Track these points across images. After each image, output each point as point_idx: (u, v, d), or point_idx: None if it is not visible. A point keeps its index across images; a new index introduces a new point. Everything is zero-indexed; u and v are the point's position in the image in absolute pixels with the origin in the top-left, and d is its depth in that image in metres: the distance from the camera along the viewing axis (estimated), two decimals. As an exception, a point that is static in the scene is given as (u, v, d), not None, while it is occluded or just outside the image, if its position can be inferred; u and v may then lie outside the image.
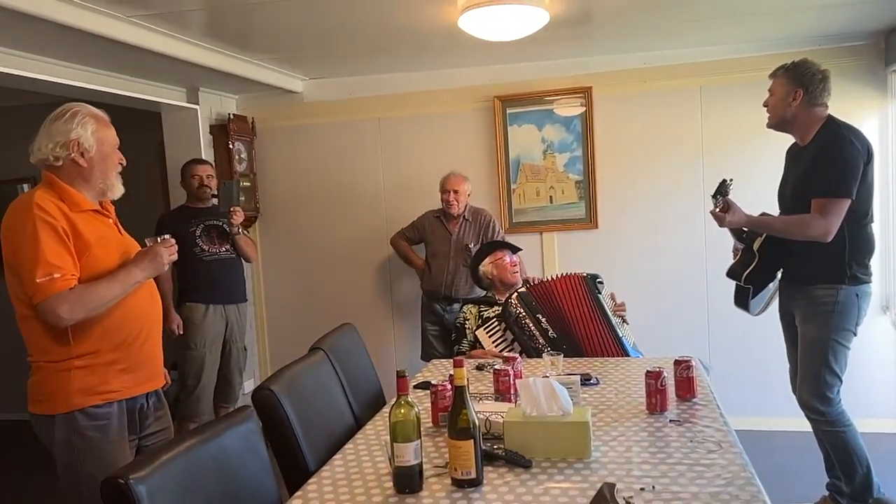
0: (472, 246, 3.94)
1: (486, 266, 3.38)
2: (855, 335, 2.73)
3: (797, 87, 2.71)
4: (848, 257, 2.67)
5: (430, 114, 4.42)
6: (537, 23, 3.02)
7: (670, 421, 2.04)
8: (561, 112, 4.26)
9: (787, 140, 2.92)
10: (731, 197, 2.78)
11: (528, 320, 2.98)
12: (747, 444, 1.96)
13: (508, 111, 4.31)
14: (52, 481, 2.06)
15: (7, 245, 1.98)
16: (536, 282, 3.20)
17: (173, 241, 2.17)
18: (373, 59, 4.05)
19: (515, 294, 3.05)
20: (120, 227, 2.23)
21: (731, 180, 2.79)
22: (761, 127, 3.95)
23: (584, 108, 4.21)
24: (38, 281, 1.89)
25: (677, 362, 2.25)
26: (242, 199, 4.41)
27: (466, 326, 3.20)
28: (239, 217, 3.73)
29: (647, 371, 2.14)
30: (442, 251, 4.00)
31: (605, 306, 3.00)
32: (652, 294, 4.15)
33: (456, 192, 3.93)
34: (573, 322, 2.97)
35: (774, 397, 3.90)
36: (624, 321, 3.11)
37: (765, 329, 3.93)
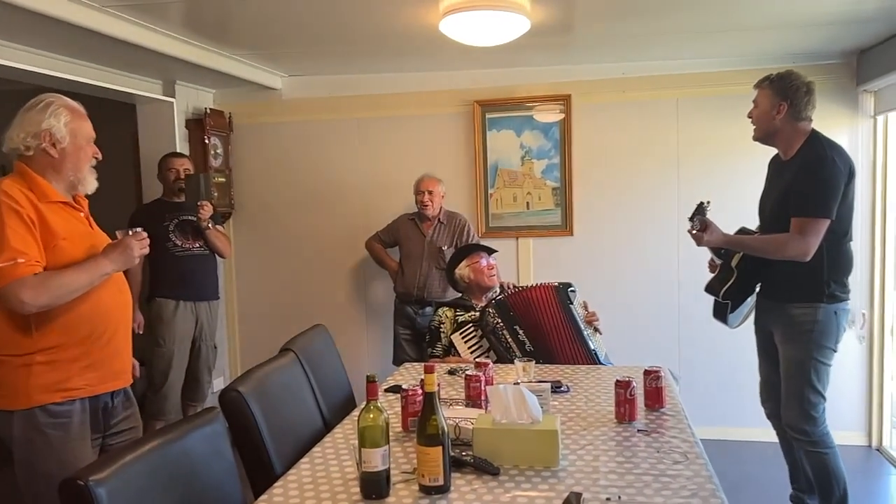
0: (445, 249, 3.95)
1: (462, 269, 3.35)
2: (835, 352, 2.70)
3: (781, 101, 2.68)
4: (826, 276, 2.65)
5: (410, 116, 4.42)
6: (518, 30, 3.03)
7: (638, 430, 2.06)
8: (540, 118, 4.28)
9: (763, 154, 2.93)
10: (708, 216, 2.74)
11: (505, 331, 2.96)
12: (715, 453, 1.99)
13: (488, 116, 4.31)
14: (11, 477, 2.01)
15: None
16: (512, 290, 3.18)
17: (145, 234, 2.13)
18: (353, 58, 4.02)
19: (493, 303, 3.04)
20: (92, 221, 2.19)
21: (708, 203, 2.75)
22: (736, 140, 4.05)
23: (562, 116, 4.24)
24: (0, 265, 1.86)
25: (647, 372, 2.27)
26: (216, 194, 4.36)
27: (441, 330, 3.18)
28: (207, 211, 3.64)
29: (617, 380, 2.15)
30: (415, 253, 4.00)
31: (577, 317, 2.99)
32: (624, 303, 4.18)
33: (430, 192, 3.94)
34: (548, 334, 2.96)
35: (742, 408, 3.96)
36: (596, 331, 3.11)
37: (735, 340, 3.98)
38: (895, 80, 3.58)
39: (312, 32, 3.41)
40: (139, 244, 2.09)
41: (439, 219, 4.01)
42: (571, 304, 3.00)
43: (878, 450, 3.97)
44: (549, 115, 4.27)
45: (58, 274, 1.94)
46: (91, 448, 2.07)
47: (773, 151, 2.89)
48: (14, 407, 1.98)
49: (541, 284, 3.08)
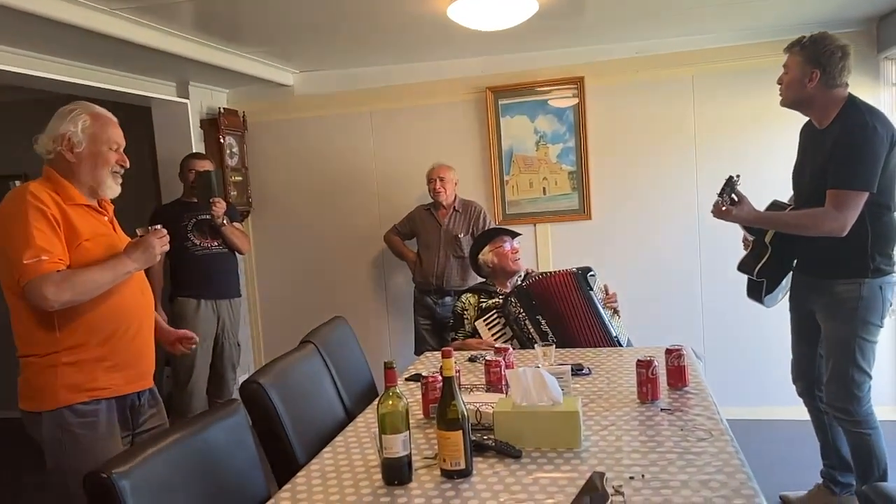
0: (461, 237, 3.94)
1: (486, 254, 3.29)
2: (881, 328, 2.57)
3: (814, 68, 2.50)
4: (871, 249, 2.50)
5: (422, 106, 4.40)
6: (526, 12, 3.01)
7: (661, 410, 2.03)
8: (554, 103, 4.24)
9: (784, 129, 2.84)
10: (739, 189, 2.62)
11: (527, 321, 2.94)
12: (740, 433, 1.96)
13: (501, 102, 4.28)
14: (44, 478, 2.06)
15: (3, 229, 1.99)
16: (534, 277, 3.10)
17: (165, 231, 2.15)
18: (363, 51, 4.02)
19: (514, 292, 3.00)
20: (116, 225, 2.23)
21: (738, 176, 2.62)
22: (754, 115, 3.99)
23: (576, 99, 4.19)
24: (25, 262, 1.90)
25: (668, 351, 2.24)
26: (234, 193, 4.40)
27: (465, 317, 3.16)
28: (220, 207, 3.66)
29: (639, 360, 2.13)
30: (432, 242, 4.00)
31: (598, 303, 2.94)
32: (645, 284, 4.14)
33: (442, 179, 3.93)
34: (570, 322, 2.92)
35: (768, 387, 3.92)
36: (616, 312, 3.07)
37: (758, 319, 3.94)
38: (917, 45, 3.49)
39: (322, 27, 3.41)
40: (160, 242, 2.11)
41: (454, 207, 4.00)
42: (591, 289, 2.95)
43: (911, 425, 3.89)
44: (562, 99, 4.23)
45: (81, 271, 1.98)
46: (121, 446, 2.10)
47: (801, 118, 2.74)
48: (42, 408, 2.01)
49: (560, 271, 3.04)
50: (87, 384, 2.03)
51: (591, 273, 3.03)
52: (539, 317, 2.93)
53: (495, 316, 3.06)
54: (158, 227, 2.16)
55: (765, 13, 3.65)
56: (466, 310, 3.17)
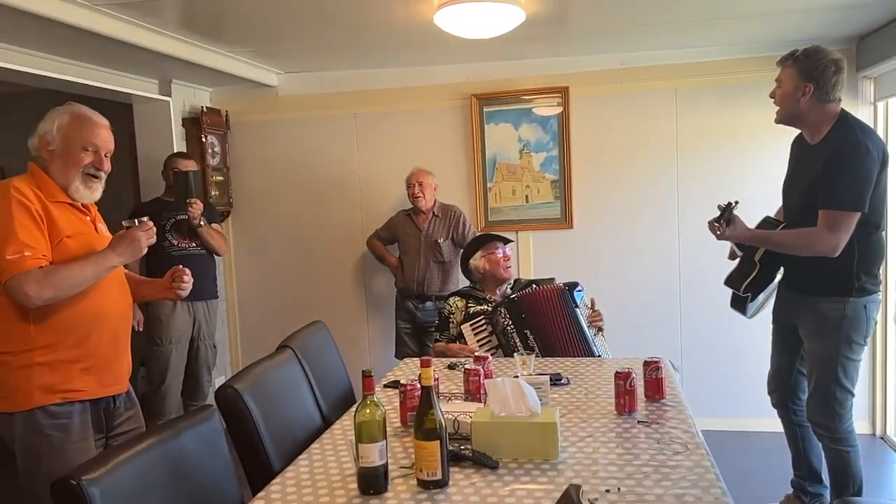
0: (441, 242, 3.94)
1: (477, 260, 3.24)
2: (864, 346, 2.57)
3: (807, 82, 2.48)
4: (856, 269, 2.50)
5: (407, 110, 4.40)
6: (513, 21, 3.01)
7: (638, 422, 2.04)
8: (538, 111, 4.26)
9: (767, 145, 2.85)
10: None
11: (515, 334, 2.93)
12: (716, 444, 1.97)
13: (485, 109, 4.29)
14: (16, 480, 2.02)
15: None
16: (524, 290, 3.07)
17: (151, 224, 2.12)
18: (349, 54, 4.00)
19: (504, 303, 2.99)
20: (98, 226, 2.19)
21: (736, 202, 2.60)
22: (735, 129, 4.04)
23: (560, 108, 4.21)
24: (7, 258, 1.89)
25: (647, 363, 2.25)
26: (214, 193, 4.35)
27: (451, 320, 3.15)
28: (197, 208, 3.62)
29: (617, 372, 2.13)
30: (412, 247, 4.00)
31: (582, 321, 2.94)
32: (625, 294, 4.16)
33: (420, 184, 3.93)
34: (556, 339, 2.93)
35: (744, 398, 3.96)
36: (600, 331, 3.06)
37: (735, 332, 3.99)
38: (895, 65, 3.55)
39: (307, 28, 3.39)
40: (145, 234, 2.08)
41: (434, 212, 4.00)
42: (577, 307, 2.95)
43: (882, 438, 3.95)
44: (547, 108, 4.25)
45: (63, 267, 1.96)
46: (94, 449, 2.07)
47: (782, 134, 2.74)
48: (15, 409, 1.99)
49: (548, 286, 3.02)
50: (61, 385, 2.00)
51: (579, 289, 3.02)
52: (527, 331, 2.93)
53: (483, 323, 3.04)
54: (145, 219, 2.12)
55: (747, 30, 3.70)
56: (453, 313, 3.16)
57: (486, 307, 3.11)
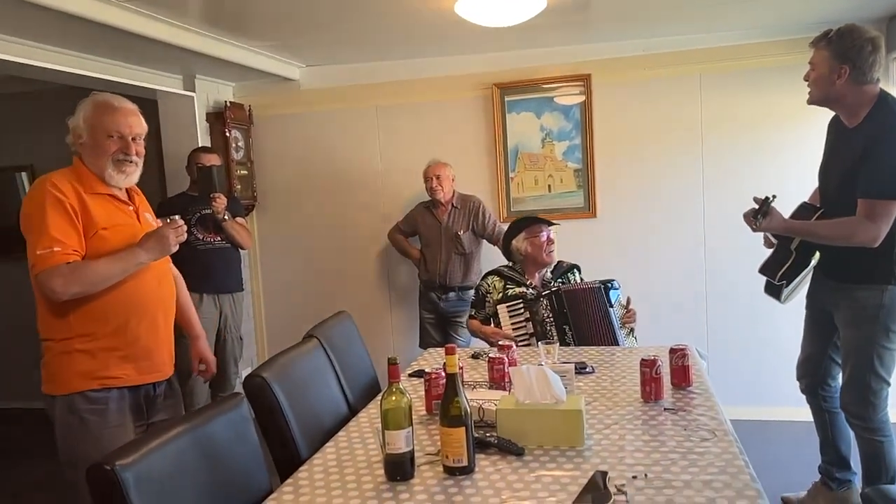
0: (461, 233, 3.94)
1: (520, 241, 3.19)
2: None
3: (843, 64, 2.38)
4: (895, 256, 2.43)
5: (428, 102, 4.39)
6: (534, 8, 2.99)
7: (665, 409, 2.03)
8: (560, 100, 4.23)
9: (793, 128, 2.78)
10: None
11: (553, 327, 2.92)
12: (743, 433, 1.95)
13: (507, 99, 4.27)
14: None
15: (22, 220, 2.03)
16: (568, 285, 3.06)
17: (181, 222, 2.14)
18: (370, 46, 4.01)
19: (548, 295, 2.97)
20: (141, 216, 2.21)
21: (774, 197, 2.51)
22: (761, 114, 3.98)
23: (583, 97, 4.18)
24: (38, 252, 1.94)
25: (673, 350, 2.24)
26: (239, 187, 4.39)
27: (487, 299, 3.16)
28: (221, 202, 3.66)
29: (642, 359, 2.12)
30: (433, 240, 4.00)
31: (615, 320, 2.92)
32: (650, 282, 4.13)
33: (438, 177, 3.92)
34: (592, 337, 2.92)
35: (771, 387, 3.91)
36: (631, 332, 3.03)
37: (762, 319, 3.94)
38: (927, 46, 3.47)
39: (329, 20, 3.40)
40: (174, 232, 2.09)
41: (453, 203, 4.00)
42: (612, 306, 2.94)
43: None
44: (569, 97, 4.22)
45: (90, 263, 2.00)
46: (133, 435, 2.11)
47: (811, 118, 2.66)
48: (56, 392, 2.06)
49: (589, 283, 3.00)
50: (99, 372, 2.06)
51: (615, 287, 2.99)
52: (566, 326, 2.92)
53: (521, 307, 3.01)
54: (176, 217, 2.14)
55: (772, 12, 3.63)
56: (490, 292, 3.16)
57: (524, 290, 3.08)
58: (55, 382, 2.06)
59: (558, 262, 3.25)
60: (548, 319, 2.94)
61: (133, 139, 2.12)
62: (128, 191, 2.21)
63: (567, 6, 3.24)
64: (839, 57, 2.40)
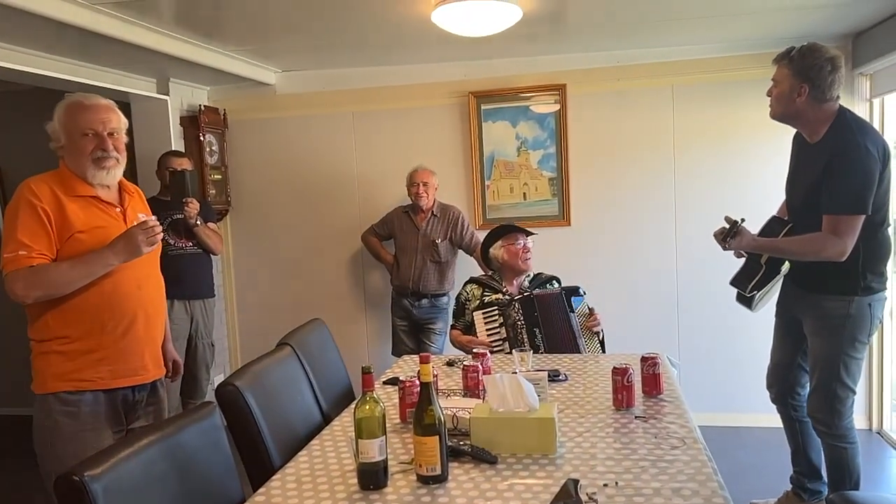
0: (439, 242, 3.94)
1: (497, 249, 3.24)
2: (867, 344, 2.57)
3: (803, 83, 2.45)
4: (862, 267, 2.49)
5: (405, 108, 4.40)
6: (510, 19, 3.02)
7: (636, 417, 2.06)
8: (535, 109, 4.27)
9: (763, 141, 2.84)
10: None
11: (524, 331, 2.96)
12: (714, 440, 1.99)
13: (483, 107, 4.30)
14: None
15: (2, 224, 2.05)
16: (540, 289, 3.10)
17: (154, 223, 2.08)
18: (347, 52, 4.01)
19: (519, 299, 3.01)
20: (129, 217, 2.18)
21: (742, 220, 2.57)
22: (732, 126, 4.05)
23: (558, 106, 4.22)
24: (4, 256, 1.95)
25: (644, 359, 2.27)
26: (212, 191, 4.35)
27: (467, 306, 3.19)
28: (193, 208, 3.62)
29: (614, 367, 2.15)
30: (409, 246, 4.00)
31: (574, 325, 2.97)
32: (623, 291, 4.18)
33: (425, 184, 3.93)
34: (560, 342, 2.96)
35: (742, 394, 3.98)
36: (595, 335, 3.03)
37: (733, 327, 4.01)
38: (891, 62, 3.57)
39: (305, 26, 3.40)
40: (144, 233, 2.04)
41: (433, 211, 4.01)
42: (573, 311, 2.99)
43: (878, 433, 3.97)
44: (544, 106, 4.26)
45: (53, 266, 1.99)
46: (110, 439, 2.09)
47: (778, 132, 2.73)
48: (36, 391, 2.08)
49: (554, 289, 3.07)
50: (73, 374, 2.05)
51: (580, 294, 3.04)
52: (536, 329, 2.96)
53: (496, 313, 3.06)
54: (147, 218, 2.11)
55: (744, 27, 3.71)
56: (469, 300, 3.20)
57: (500, 296, 3.12)
58: (35, 382, 2.08)
59: (538, 273, 3.29)
60: (519, 323, 2.98)
61: (110, 134, 2.10)
62: (121, 191, 2.19)
63: (543, 17, 3.28)
64: (799, 75, 2.47)
